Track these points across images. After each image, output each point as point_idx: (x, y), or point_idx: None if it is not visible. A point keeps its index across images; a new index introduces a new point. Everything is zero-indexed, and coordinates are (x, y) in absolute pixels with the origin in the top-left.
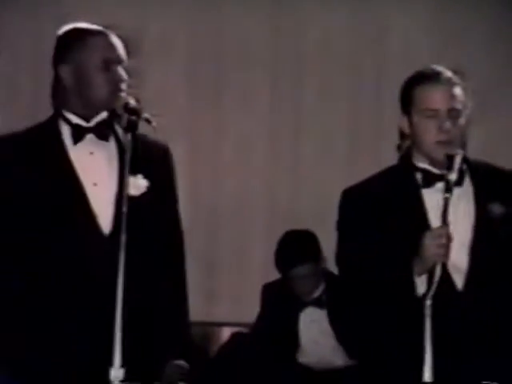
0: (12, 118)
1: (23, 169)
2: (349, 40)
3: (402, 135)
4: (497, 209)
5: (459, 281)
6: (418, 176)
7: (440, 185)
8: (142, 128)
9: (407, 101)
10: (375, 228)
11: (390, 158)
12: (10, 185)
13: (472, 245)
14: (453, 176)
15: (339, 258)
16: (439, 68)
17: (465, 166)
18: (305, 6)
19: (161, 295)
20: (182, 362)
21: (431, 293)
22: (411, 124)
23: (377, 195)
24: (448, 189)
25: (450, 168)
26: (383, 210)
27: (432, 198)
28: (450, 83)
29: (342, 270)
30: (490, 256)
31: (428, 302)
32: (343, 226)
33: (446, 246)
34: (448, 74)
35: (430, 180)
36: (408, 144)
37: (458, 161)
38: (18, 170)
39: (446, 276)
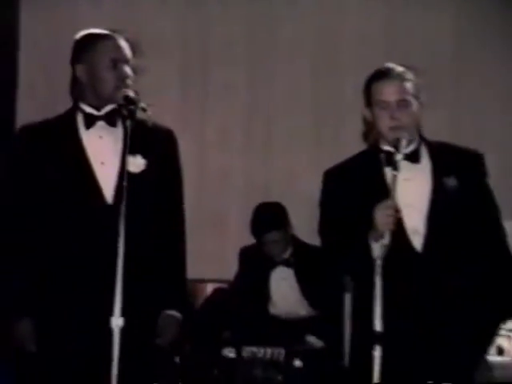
0: (30, 114)
1: (45, 150)
2: (318, 38)
3: (367, 124)
4: (451, 182)
5: (418, 244)
6: (382, 156)
7: (402, 163)
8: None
9: (367, 95)
10: (349, 203)
11: (349, 143)
12: (34, 162)
13: (429, 212)
14: (399, 156)
15: (320, 230)
16: (392, 65)
17: (423, 146)
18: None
19: (160, 254)
20: (174, 313)
21: (382, 255)
22: (373, 114)
23: (350, 175)
24: (395, 167)
25: (397, 149)
26: (355, 186)
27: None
28: (399, 78)
29: (322, 239)
30: (445, 221)
31: (378, 262)
32: (323, 202)
33: (393, 216)
34: (398, 70)
35: (390, 160)
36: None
37: (403, 143)
38: (41, 150)
39: (405, 240)
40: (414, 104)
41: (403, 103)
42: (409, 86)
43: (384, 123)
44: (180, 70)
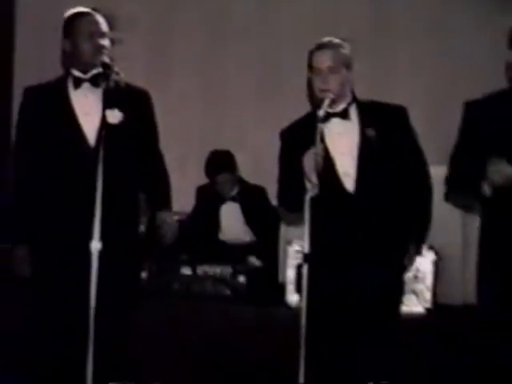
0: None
1: (42, 105)
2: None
3: (310, 87)
4: (375, 132)
5: (349, 185)
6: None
7: (335, 119)
8: None
9: (309, 62)
10: (296, 154)
11: (288, 106)
12: (34, 114)
13: (358, 158)
14: (321, 112)
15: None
16: (329, 39)
17: (354, 105)
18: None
19: (147, 181)
20: (169, 213)
21: (311, 193)
22: (310, 78)
23: (299, 134)
24: (318, 121)
25: (319, 107)
26: (301, 141)
27: (328, 128)
28: (332, 49)
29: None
30: (371, 165)
31: (307, 197)
32: (279, 156)
33: (317, 162)
34: (333, 42)
35: (326, 116)
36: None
37: (326, 103)
38: (39, 106)
39: (338, 182)
40: (344, 70)
41: (333, 69)
42: (340, 55)
43: (316, 86)
44: (146, 43)
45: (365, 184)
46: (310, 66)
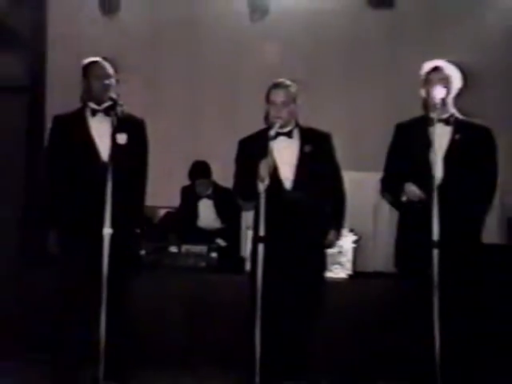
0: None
1: (67, 130)
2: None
3: (266, 112)
4: (308, 148)
5: (288, 186)
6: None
7: (282, 137)
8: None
9: (267, 96)
10: (252, 160)
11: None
12: (62, 137)
13: (296, 166)
14: (272, 132)
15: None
16: (281, 80)
17: (296, 128)
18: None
19: (131, 191)
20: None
21: (263, 191)
22: (268, 107)
23: (252, 144)
24: (269, 139)
25: (271, 128)
26: (256, 150)
27: (276, 144)
28: (283, 87)
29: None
30: (305, 172)
31: (262, 195)
32: (237, 158)
33: (269, 169)
34: (286, 82)
35: (276, 135)
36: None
37: (276, 126)
38: (65, 130)
39: (280, 183)
40: (292, 104)
41: (284, 103)
42: (289, 93)
43: (271, 114)
44: (142, 82)
45: (299, 185)
46: (268, 99)
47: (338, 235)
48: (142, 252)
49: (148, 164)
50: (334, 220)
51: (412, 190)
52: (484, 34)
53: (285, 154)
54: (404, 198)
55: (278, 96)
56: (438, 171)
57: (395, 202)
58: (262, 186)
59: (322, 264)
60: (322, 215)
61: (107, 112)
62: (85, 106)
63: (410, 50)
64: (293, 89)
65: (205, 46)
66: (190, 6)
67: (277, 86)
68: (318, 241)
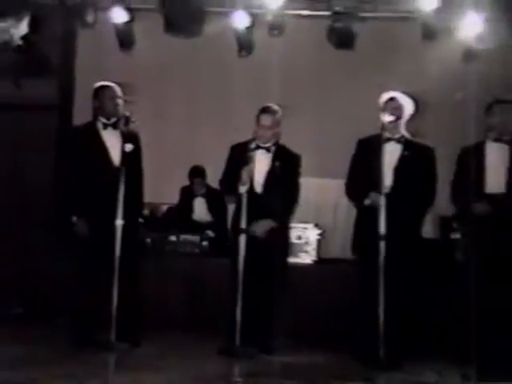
0: None
1: (84, 140)
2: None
3: (255, 130)
4: (279, 163)
5: (259, 189)
6: (252, 146)
7: (261, 151)
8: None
9: (257, 119)
10: (233, 165)
11: (239, 137)
12: (79, 146)
13: (266, 174)
14: (252, 145)
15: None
16: (270, 105)
17: (275, 146)
18: None
19: (134, 190)
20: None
21: (245, 192)
22: (257, 128)
23: (239, 150)
24: (250, 150)
25: (254, 141)
26: (237, 155)
27: (256, 155)
28: (271, 113)
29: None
30: (272, 179)
31: (244, 195)
32: (226, 160)
33: (250, 174)
34: (273, 108)
35: (256, 148)
36: None
37: (260, 142)
38: (82, 140)
39: (253, 187)
40: (276, 128)
41: (271, 127)
42: (276, 118)
43: (258, 134)
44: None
45: (267, 189)
46: (257, 121)
47: (286, 228)
48: (148, 240)
49: (143, 168)
50: (285, 216)
51: (376, 197)
52: (430, 68)
53: (260, 165)
54: (367, 202)
55: (266, 121)
56: (388, 180)
57: (356, 204)
58: (243, 188)
59: (285, 250)
60: (281, 211)
61: (115, 126)
62: (95, 120)
63: (367, 82)
64: (278, 114)
65: (202, 73)
66: (190, 42)
67: (265, 111)
68: (279, 231)
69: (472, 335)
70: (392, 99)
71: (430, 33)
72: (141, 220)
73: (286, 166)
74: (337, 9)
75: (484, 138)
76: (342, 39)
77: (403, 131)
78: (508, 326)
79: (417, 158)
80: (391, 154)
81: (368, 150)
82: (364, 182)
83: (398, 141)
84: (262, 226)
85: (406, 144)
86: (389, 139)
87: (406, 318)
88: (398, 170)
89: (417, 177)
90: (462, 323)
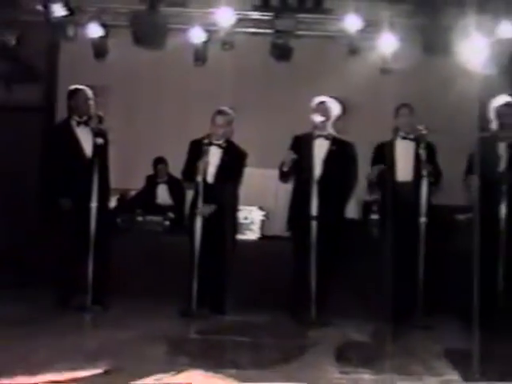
0: None
1: (60, 136)
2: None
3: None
4: (226, 157)
5: (211, 179)
6: (206, 141)
7: (214, 147)
8: None
9: (212, 120)
10: (193, 154)
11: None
12: (55, 141)
13: (217, 167)
14: (205, 141)
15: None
16: (224, 108)
17: (226, 143)
18: None
19: (102, 178)
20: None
21: (200, 181)
22: (212, 127)
23: (197, 145)
24: (205, 145)
25: (209, 138)
26: (196, 149)
27: (210, 149)
28: (224, 114)
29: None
30: (222, 171)
31: (200, 184)
32: (187, 152)
33: (204, 166)
34: (227, 111)
35: (210, 144)
36: None
37: (213, 139)
38: (58, 136)
39: (207, 177)
40: (228, 127)
41: (224, 125)
42: (228, 119)
43: (212, 132)
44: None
45: (217, 179)
46: (213, 121)
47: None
48: (118, 220)
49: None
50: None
51: (290, 155)
52: (354, 79)
53: (213, 158)
54: (285, 168)
55: (220, 120)
56: (318, 170)
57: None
58: (199, 177)
59: (233, 228)
60: (229, 197)
61: (87, 123)
62: (70, 118)
63: (302, 88)
64: (230, 116)
65: (165, 79)
66: (155, 53)
67: (220, 113)
68: (228, 212)
69: (386, 295)
70: (322, 102)
71: (353, 49)
72: (112, 203)
73: (234, 159)
74: (278, 28)
75: (394, 136)
76: (282, 53)
77: (330, 130)
78: (410, 288)
79: (341, 151)
80: (320, 148)
81: (301, 145)
82: (296, 171)
83: (326, 137)
84: (208, 208)
85: (333, 140)
86: (318, 136)
87: (333, 282)
88: (326, 162)
89: (341, 167)
90: (378, 286)
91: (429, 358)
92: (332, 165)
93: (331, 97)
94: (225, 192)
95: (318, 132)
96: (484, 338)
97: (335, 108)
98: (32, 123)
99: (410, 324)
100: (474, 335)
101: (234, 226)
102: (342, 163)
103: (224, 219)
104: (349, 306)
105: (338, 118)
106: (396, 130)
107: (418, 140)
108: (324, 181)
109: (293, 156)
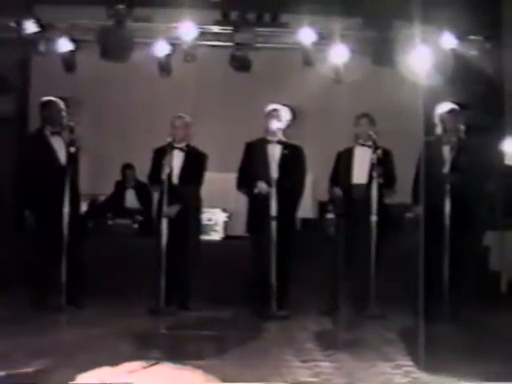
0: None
1: (34, 144)
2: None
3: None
4: (188, 159)
5: (176, 180)
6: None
7: (176, 150)
8: None
9: (171, 124)
10: (157, 159)
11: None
12: (30, 149)
13: (180, 168)
14: (168, 142)
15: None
16: (181, 114)
17: (187, 146)
18: None
19: (73, 184)
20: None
21: (165, 182)
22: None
23: (161, 151)
24: (168, 148)
25: (172, 142)
26: (160, 155)
27: (174, 152)
28: (181, 118)
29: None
30: (185, 172)
31: (165, 185)
32: (151, 159)
33: (168, 167)
34: (184, 116)
35: (172, 148)
36: None
37: (175, 141)
38: (33, 144)
39: (171, 178)
40: (187, 130)
41: (182, 127)
42: (187, 122)
43: (173, 133)
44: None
45: (181, 180)
46: (172, 124)
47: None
48: (90, 224)
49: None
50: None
51: (262, 186)
52: (309, 87)
53: (177, 160)
54: (256, 191)
55: (178, 123)
56: (274, 173)
57: (247, 192)
58: (164, 176)
59: (197, 228)
60: (193, 198)
61: (59, 133)
62: (43, 128)
63: (260, 97)
64: (188, 120)
65: (131, 90)
66: (122, 66)
67: (177, 117)
68: (192, 213)
69: (341, 289)
70: (274, 110)
71: (308, 60)
72: (83, 208)
73: (196, 162)
74: (237, 41)
75: (354, 144)
76: (242, 65)
77: (280, 135)
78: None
79: (292, 155)
80: (274, 152)
81: (254, 150)
82: (252, 175)
83: (278, 142)
84: (173, 209)
85: (284, 144)
86: (271, 141)
87: (291, 278)
88: (280, 165)
89: (294, 169)
90: (333, 280)
91: (382, 345)
92: (285, 167)
93: (283, 104)
94: (188, 192)
95: (269, 137)
96: (430, 325)
97: (286, 115)
98: (5, 133)
99: (365, 314)
100: (419, 324)
101: (198, 225)
102: (295, 165)
103: (188, 219)
104: (306, 300)
105: (290, 124)
106: (356, 138)
107: (375, 147)
108: (280, 183)
109: (264, 189)
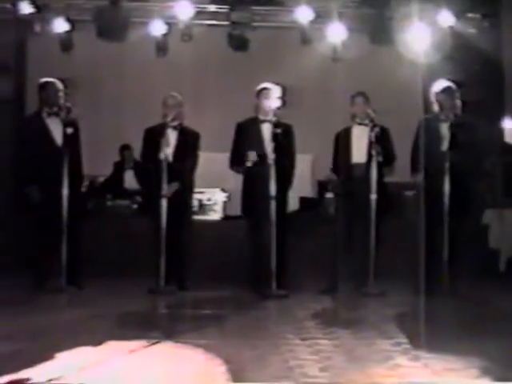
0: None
1: (32, 125)
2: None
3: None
4: (182, 138)
5: (170, 158)
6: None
7: (170, 129)
8: None
9: (163, 103)
10: (150, 140)
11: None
12: (28, 131)
13: (175, 147)
14: (166, 121)
15: None
16: (173, 93)
17: (180, 125)
18: None
19: (74, 166)
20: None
21: (163, 161)
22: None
23: (154, 130)
24: (165, 128)
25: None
26: (152, 134)
27: (169, 131)
28: (173, 97)
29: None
30: (180, 151)
31: (164, 163)
32: (143, 139)
33: (166, 146)
34: (176, 95)
35: (167, 127)
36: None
37: (168, 121)
38: (30, 126)
39: (167, 157)
40: (181, 109)
41: (175, 106)
42: (179, 102)
43: (166, 112)
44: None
45: (176, 158)
46: (164, 103)
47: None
48: (89, 205)
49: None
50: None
51: (252, 155)
52: (307, 66)
53: (172, 139)
54: (249, 164)
55: (170, 101)
56: (270, 150)
57: (240, 170)
58: (162, 156)
59: (190, 206)
60: (186, 177)
61: (57, 114)
62: (41, 109)
63: (257, 77)
64: (180, 98)
65: (128, 70)
66: (118, 45)
67: (170, 96)
68: (187, 192)
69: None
70: (265, 88)
71: (306, 39)
72: (82, 189)
73: (189, 141)
74: (234, 20)
75: (351, 123)
76: (239, 44)
77: (271, 114)
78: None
79: (284, 133)
80: (267, 132)
81: (245, 130)
82: (244, 153)
83: (270, 121)
84: (172, 187)
85: (276, 123)
86: (263, 121)
87: (291, 257)
88: (274, 144)
89: (286, 148)
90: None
91: (381, 323)
92: (278, 146)
93: (275, 83)
94: (185, 171)
95: (262, 117)
96: (430, 303)
97: (277, 93)
98: (2, 115)
99: (364, 292)
100: (419, 301)
101: (191, 204)
102: (287, 144)
103: (185, 198)
104: (306, 279)
105: (282, 104)
106: (353, 117)
107: (372, 125)
108: (275, 162)
109: (255, 158)
